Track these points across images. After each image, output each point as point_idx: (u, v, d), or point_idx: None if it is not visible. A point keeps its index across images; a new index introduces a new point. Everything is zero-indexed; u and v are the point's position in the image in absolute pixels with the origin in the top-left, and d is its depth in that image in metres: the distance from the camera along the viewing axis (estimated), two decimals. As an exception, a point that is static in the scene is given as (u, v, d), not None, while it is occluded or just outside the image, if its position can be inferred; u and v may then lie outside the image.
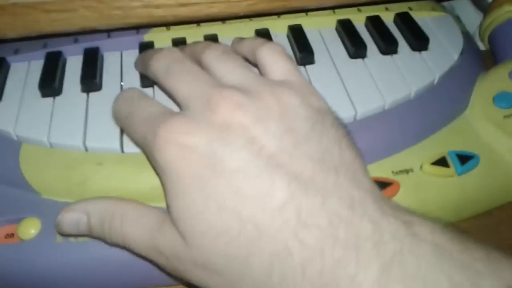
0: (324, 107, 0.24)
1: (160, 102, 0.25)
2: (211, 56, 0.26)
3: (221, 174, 0.20)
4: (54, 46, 0.34)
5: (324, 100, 0.24)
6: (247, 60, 0.27)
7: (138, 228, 0.23)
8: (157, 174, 0.23)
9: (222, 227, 0.20)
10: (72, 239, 0.26)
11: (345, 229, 0.19)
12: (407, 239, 0.19)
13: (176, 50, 0.26)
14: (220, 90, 0.22)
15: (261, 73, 0.26)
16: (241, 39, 0.28)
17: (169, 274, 0.24)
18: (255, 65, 0.26)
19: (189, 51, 0.27)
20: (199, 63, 0.26)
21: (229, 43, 0.35)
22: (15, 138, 0.29)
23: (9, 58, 0.34)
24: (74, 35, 0.34)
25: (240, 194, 0.20)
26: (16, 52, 0.34)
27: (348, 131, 0.24)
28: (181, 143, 0.21)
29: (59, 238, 0.26)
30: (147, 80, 0.31)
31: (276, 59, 0.25)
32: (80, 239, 0.26)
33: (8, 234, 0.27)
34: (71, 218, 0.25)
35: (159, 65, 0.26)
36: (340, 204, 0.19)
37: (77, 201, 0.25)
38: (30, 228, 0.27)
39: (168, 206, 0.22)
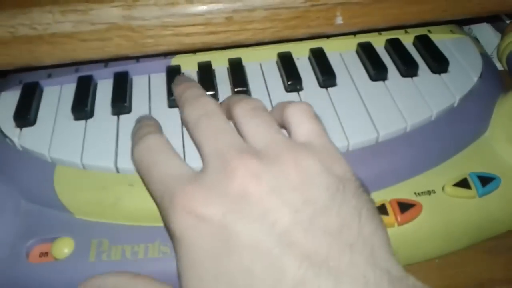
0: (347, 173, 0.23)
1: (182, 159, 0.25)
2: (242, 110, 0.25)
3: (234, 250, 0.20)
4: (86, 70, 0.36)
5: (348, 165, 0.23)
6: None
7: None
8: (170, 238, 0.23)
9: None
10: (104, 258, 0.27)
11: None
12: None
13: (211, 102, 0.26)
14: (240, 155, 0.22)
15: (288, 132, 0.25)
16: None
17: None
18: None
19: (225, 105, 0.27)
20: (231, 117, 0.26)
21: (253, 66, 0.36)
22: (49, 160, 0.31)
23: (43, 82, 0.35)
24: (106, 61, 0.35)
25: (250, 273, 0.19)
26: (49, 76, 0.36)
27: (370, 199, 0.22)
28: (197, 213, 0.21)
29: (92, 257, 0.27)
30: (174, 101, 0.32)
31: (303, 120, 0.25)
32: (113, 257, 0.27)
33: (42, 253, 0.28)
34: None
35: (191, 115, 0.26)
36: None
37: (92, 277, 0.25)
38: (64, 247, 0.28)
39: (179, 276, 0.22)
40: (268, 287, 0.19)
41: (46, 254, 0.28)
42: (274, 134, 0.24)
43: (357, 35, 0.38)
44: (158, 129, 0.29)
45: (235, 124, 0.25)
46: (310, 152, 0.22)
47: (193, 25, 0.31)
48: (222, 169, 0.22)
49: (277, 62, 0.37)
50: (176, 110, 0.32)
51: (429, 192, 0.30)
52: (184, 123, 0.27)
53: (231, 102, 0.26)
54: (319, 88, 0.35)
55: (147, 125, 0.29)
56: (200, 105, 0.26)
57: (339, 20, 0.33)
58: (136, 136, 0.27)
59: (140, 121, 0.30)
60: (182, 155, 0.29)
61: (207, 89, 0.32)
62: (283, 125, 0.26)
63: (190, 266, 0.21)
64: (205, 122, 0.25)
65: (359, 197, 0.22)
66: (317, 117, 0.25)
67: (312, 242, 0.19)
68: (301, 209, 0.20)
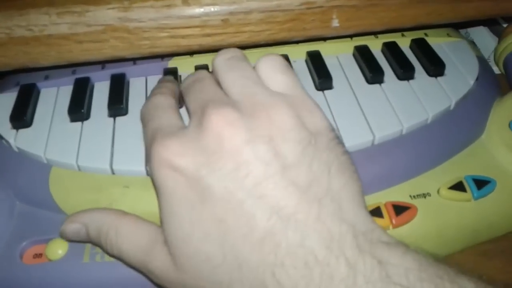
0: (320, 126, 0.23)
1: (178, 115, 0.26)
2: (220, 61, 0.25)
3: (207, 201, 0.21)
4: (83, 72, 0.36)
5: (323, 117, 0.24)
6: None
7: (132, 244, 0.24)
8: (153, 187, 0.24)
9: (207, 254, 0.21)
10: (98, 259, 0.27)
11: (320, 271, 0.19)
12: (379, 283, 0.18)
13: (202, 71, 0.27)
14: (216, 107, 0.22)
15: None
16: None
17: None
18: None
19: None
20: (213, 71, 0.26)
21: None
22: (45, 161, 0.31)
23: (40, 84, 0.36)
24: (103, 62, 0.35)
25: (223, 223, 0.20)
26: (46, 78, 0.36)
27: (344, 150, 0.23)
28: (172, 164, 0.21)
29: (86, 258, 0.27)
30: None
31: (276, 71, 0.25)
32: (107, 259, 0.27)
33: (36, 254, 0.28)
34: (72, 229, 0.26)
35: (184, 83, 0.27)
36: (318, 243, 0.19)
37: (77, 212, 0.26)
38: (58, 249, 0.28)
39: (161, 223, 0.23)
40: (240, 236, 0.20)
41: (40, 255, 0.28)
42: (251, 86, 0.24)
43: (354, 38, 0.38)
44: (170, 91, 0.29)
45: (215, 74, 0.26)
46: (285, 106, 0.22)
47: (189, 27, 0.31)
48: (200, 121, 0.22)
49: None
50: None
51: (424, 195, 0.30)
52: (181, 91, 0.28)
53: (215, 57, 0.26)
54: (315, 90, 0.35)
55: (162, 87, 0.29)
56: (194, 75, 0.27)
57: (335, 23, 0.33)
58: (151, 94, 0.29)
59: (160, 81, 0.31)
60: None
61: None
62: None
63: (169, 214, 0.22)
64: (194, 85, 0.26)
65: (331, 151, 0.22)
66: (289, 68, 0.25)
67: (282, 195, 0.20)
68: (272, 163, 0.21)
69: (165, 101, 0.27)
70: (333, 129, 0.23)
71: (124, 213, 0.25)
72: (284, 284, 0.19)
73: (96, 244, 0.26)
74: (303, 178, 0.21)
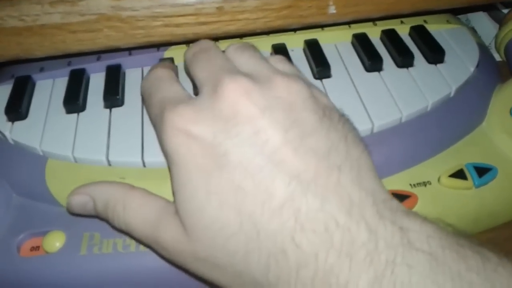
0: (331, 104, 0.24)
1: (183, 88, 0.26)
2: (233, 48, 0.26)
3: (224, 168, 0.20)
4: (78, 63, 0.36)
5: (329, 98, 0.24)
6: None
7: (140, 218, 0.23)
8: (166, 160, 0.23)
9: (223, 222, 0.20)
10: (96, 251, 0.27)
11: (340, 236, 0.19)
12: (401, 248, 0.18)
13: (206, 41, 0.27)
14: (231, 75, 0.22)
15: None
16: None
17: (170, 262, 0.24)
18: None
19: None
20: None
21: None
22: (41, 153, 0.30)
23: (35, 76, 0.35)
24: (97, 53, 0.35)
25: (241, 190, 0.20)
26: (41, 70, 0.36)
27: (354, 127, 0.23)
28: (187, 132, 0.21)
29: (83, 251, 0.27)
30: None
31: (283, 63, 0.25)
32: (104, 250, 0.27)
33: (33, 247, 0.28)
34: (78, 201, 0.25)
35: (188, 53, 0.27)
36: (338, 207, 0.19)
37: (85, 184, 0.26)
38: (55, 241, 0.28)
39: (173, 194, 0.22)
40: (259, 203, 0.20)
41: (38, 248, 0.28)
42: (265, 63, 0.24)
43: (352, 26, 0.38)
44: (169, 66, 0.29)
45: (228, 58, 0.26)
46: (300, 79, 0.23)
47: (184, 15, 0.31)
48: (214, 90, 0.22)
49: (271, 54, 0.36)
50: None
51: (424, 184, 0.30)
52: (185, 63, 0.28)
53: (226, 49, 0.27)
54: (313, 79, 0.34)
55: (160, 64, 0.29)
56: (198, 44, 0.27)
57: (332, 10, 0.32)
58: (148, 71, 0.28)
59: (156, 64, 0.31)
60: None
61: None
62: None
63: (182, 183, 0.21)
64: (200, 55, 0.25)
65: (344, 123, 0.23)
66: (292, 64, 0.26)
67: (302, 161, 0.20)
68: (291, 129, 0.21)
69: (167, 73, 0.27)
70: (340, 110, 0.24)
71: (132, 187, 0.25)
72: (304, 249, 0.19)
73: (102, 217, 0.25)
74: (322, 144, 0.21)
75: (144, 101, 0.27)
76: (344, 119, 0.23)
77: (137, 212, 0.23)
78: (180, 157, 0.21)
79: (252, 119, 0.21)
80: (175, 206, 0.22)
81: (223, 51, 0.26)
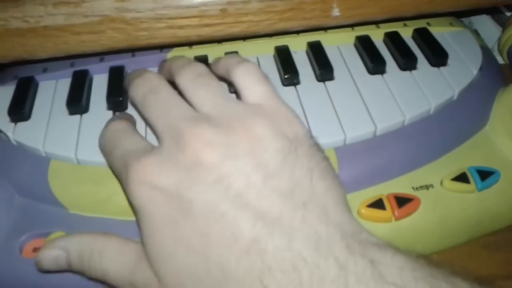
0: (300, 133, 0.23)
1: (142, 137, 0.25)
2: (186, 79, 0.25)
3: (190, 216, 0.20)
4: (81, 64, 0.35)
5: (301, 124, 0.24)
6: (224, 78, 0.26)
7: (116, 264, 0.23)
8: (132, 210, 0.23)
9: (191, 269, 0.20)
10: (98, 253, 0.27)
11: (309, 273, 0.18)
12: (372, 282, 0.18)
13: (153, 77, 0.26)
14: (191, 124, 0.22)
15: (237, 95, 0.25)
16: (218, 58, 0.28)
17: None
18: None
19: (167, 71, 0.27)
20: (175, 84, 0.26)
21: (249, 60, 0.36)
22: (43, 154, 0.30)
23: (38, 77, 0.35)
24: (100, 54, 0.35)
25: (207, 237, 0.20)
26: (44, 70, 0.36)
27: (324, 156, 0.23)
28: (151, 184, 0.21)
29: (86, 252, 0.27)
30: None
31: (252, 81, 0.25)
32: (106, 253, 0.27)
33: (36, 248, 0.28)
34: (50, 255, 0.25)
35: (136, 94, 0.26)
36: (305, 245, 0.19)
37: (56, 238, 0.25)
38: (57, 243, 0.28)
39: (143, 245, 0.22)
40: (225, 248, 0.20)
41: (40, 249, 0.28)
42: (224, 102, 0.24)
43: (355, 28, 0.38)
44: (128, 119, 0.28)
45: (181, 91, 0.25)
46: (261, 117, 0.22)
47: (188, 17, 0.31)
48: (176, 141, 0.22)
49: (274, 56, 0.36)
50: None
51: (427, 187, 0.30)
52: (132, 104, 0.27)
53: (173, 69, 0.26)
54: (316, 81, 0.34)
55: (115, 117, 0.29)
56: (143, 82, 0.26)
57: (336, 12, 0.32)
58: (106, 124, 0.28)
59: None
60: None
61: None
62: (229, 83, 0.26)
63: (151, 234, 0.21)
64: (152, 98, 0.25)
65: (311, 157, 0.22)
66: (265, 78, 0.25)
67: (265, 202, 0.20)
68: (254, 173, 0.21)
69: (123, 125, 0.26)
70: (311, 136, 0.23)
71: (106, 234, 0.25)
72: None
73: (75, 270, 0.25)
74: (286, 184, 0.21)
75: (105, 157, 0.27)
76: (313, 149, 0.23)
77: (115, 259, 0.23)
78: (146, 209, 0.21)
79: (214, 167, 0.21)
80: (146, 255, 0.22)
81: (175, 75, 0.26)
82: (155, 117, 0.24)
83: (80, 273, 0.25)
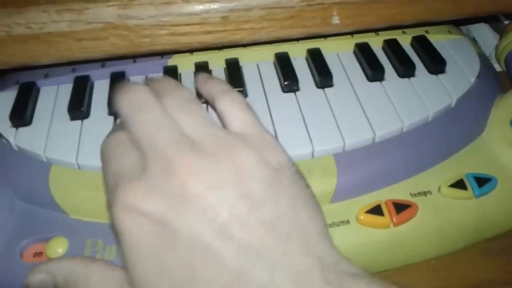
0: (283, 161, 0.23)
1: (137, 153, 0.25)
2: (174, 103, 0.25)
3: (173, 246, 0.20)
4: (82, 70, 0.36)
5: (283, 152, 0.24)
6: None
7: None
8: (113, 234, 0.23)
9: None
10: (98, 257, 0.27)
11: None
12: None
13: (143, 91, 0.25)
14: (179, 152, 0.22)
15: (221, 122, 0.26)
16: (206, 78, 0.28)
17: None
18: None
19: (154, 88, 0.27)
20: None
21: (250, 66, 0.36)
22: (44, 160, 0.31)
23: (39, 82, 0.35)
24: (102, 60, 0.35)
25: (190, 269, 0.20)
26: (46, 76, 0.36)
27: (307, 184, 0.23)
28: (137, 210, 0.21)
29: (86, 257, 0.27)
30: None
31: (235, 111, 0.25)
32: (107, 257, 0.27)
33: (36, 253, 0.28)
34: (37, 279, 0.25)
35: (124, 107, 0.25)
36: (286, 278, 0.19)
37: (44, 262, 0.25)
38: (58, 247, 0.28)
39: (127, 271, 0.22)
40: (208, 280, 0.20)
41: (40, 254, 0.28)
42: (210, 129, 0.24)
43: (355, 36, 0.38)
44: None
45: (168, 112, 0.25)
46: (245, 146, 0.23)
47: (189, 24, 0.31)
48: (162, 167, 0.22)
49: (274, 63, 0.37)
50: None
51: (425, 193, 0.30)
52: (118, 115, 0.27)
53: (162, 89, 0.26)
54: (316, 88, 0.34)
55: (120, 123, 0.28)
56: (133, 95, 0.25)
57: (336, 20, 0.33)
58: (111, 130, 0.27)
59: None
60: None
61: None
62: (212, 106, 0.26)
63: (134, 264, 0.21)
64: (140, 116, 0.24)
65: (295, 185, 0.22)
66: (249, 107, 0.25)
67: (249, 234, 0.20)
68: (239, 204, 0.21)
69: (120, 138, 0.26)
70: (294, 164, 0.24)
71: (92, 260, 0.25)
72: None
73: None
74: (270, 214, 0.21)
75: (101, 167, 0.26)
76: (296, 177, 0.23)
77: (99, 286, 0.24)
78: (130, 235, 0.21)
79: (200, 197, 0.21)
80: (130, 283, 0.22)
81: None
82: (141, 135, 0.24)
83: None
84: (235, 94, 0.26)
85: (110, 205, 0.22)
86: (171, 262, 0.20)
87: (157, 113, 0.25)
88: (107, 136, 0.27)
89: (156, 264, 0.21)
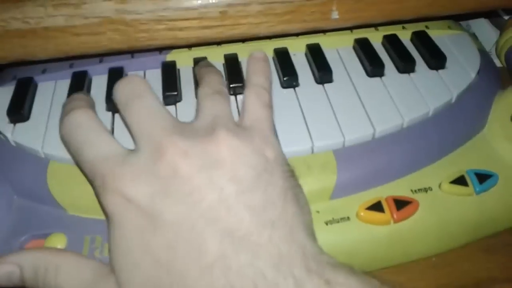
0: (278, 157, 0.24)
1: (111, 136, 0.25)
2: (205, 92, 0.27)
3: (159, 228, 0.21)
4: (80, 66, 0.36)
5: (281, 152, 0.24)
6: None
7: (73, 282, 0.23)
8: (105, 217, 0.23)
9: (155, 281, 0.20)
10: (97, 254, 0.27)
11: None
12: None
13: (140, 81, 0.26)
14: (170, 138, 0.22)
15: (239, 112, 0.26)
16: (260, 66, 0.29)
17: None
18: None
19: (197, 72, 0.29)
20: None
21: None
22: (42, 155, 0.30)
23: (37, 78, 0.35)
24: (100, 55, 0.35)
25: (173, 249, 0.20)
26: (43, 71, 0.36)
27: (299, 184, 0.24)
28: (126, 195, 0.21)
29: (85, 253, 0.27)
30: (169, 98, 0.32)
31: (257, 105, 0.26)
32: (106, 253, 0.27)
33: (35, 249, 0.28)
34: (3, 271, 0.24)
35: (121, 95, 0.26)
36: (267, 262, 0.19)
37: (10, 253, 0.24)
38: (56, 244, 0.28)
39: (109, 252, 0.22)
40: (190, 262, 0.20)
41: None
42: (222, 119, 0.24)
43: (354, 31, 0.38)
44: (88, 104, 0.28)
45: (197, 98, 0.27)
46: (243, 135, 0.23)
47: (187, 19, 0.31)
48: (152, 151, 0.22)
49: (273, 58, 0.36)
50: (171, 107, 0.32)
51: (425, 189, 0.30)
52: (114, 103, 0.27)
53: (201, 75, 0.28)
54: (315, 84, 0.34)
55: (77, 99, 0.28)
56: (130, 85, 0.26)
57: (335, 15, 0.32)
58: (65, 110, 0.27)
59: (71, 96, 0.29)
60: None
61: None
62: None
63: (119, 243, 0.22)
64: (136, 104, 0.25)
65: (286, 180, 0.23)
66: (268, 107, 0.26)
67: (235, 218, 0.20)
68: (227, 187, 0.21)
69: (90, 117, 0.26)
70: (290, 165, 0.24)
71: (63, 251, 0.25)
72: None
73: (28, 287, 0.24)
74: (258, 201, 0.21)
75: (70, 151, 0.26)
76: (288, 174, 0.23)
77: (71, 275, 0.23)
78: (118, 217, 0.22)
79: (189, 179, 0.21)
80: (110, 265, 0.22)
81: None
82: (136, 122, 0.24)
83: None
84: (264, 91, 0.27)
85: (97, 190, 0.23)
86: (155, 243, 0.21)
87: (152, 101, 0.25)
88: (67, 114, 0.26)
89: (141, 245, 0.21)
